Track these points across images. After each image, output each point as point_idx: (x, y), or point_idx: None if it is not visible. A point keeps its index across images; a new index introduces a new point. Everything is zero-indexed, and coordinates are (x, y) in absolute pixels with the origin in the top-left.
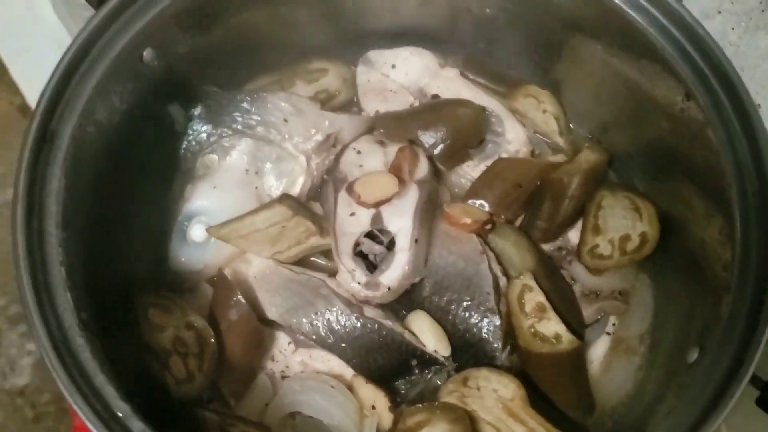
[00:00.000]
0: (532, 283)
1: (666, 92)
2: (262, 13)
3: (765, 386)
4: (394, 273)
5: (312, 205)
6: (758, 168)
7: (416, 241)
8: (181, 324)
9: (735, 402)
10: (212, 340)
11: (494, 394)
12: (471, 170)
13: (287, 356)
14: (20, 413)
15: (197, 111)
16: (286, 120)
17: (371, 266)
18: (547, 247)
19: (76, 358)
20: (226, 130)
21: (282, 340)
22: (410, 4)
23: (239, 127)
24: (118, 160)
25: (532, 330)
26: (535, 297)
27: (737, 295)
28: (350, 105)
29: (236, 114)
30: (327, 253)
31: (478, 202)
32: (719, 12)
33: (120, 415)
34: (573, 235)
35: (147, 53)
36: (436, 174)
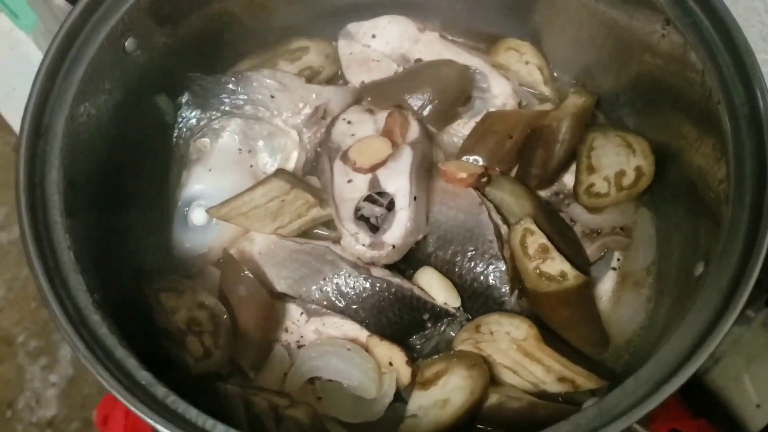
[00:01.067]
0: (533, 227)
1: (645, 22)
2: (228, 2)
3: None
4: (397, 231)
5: (309, 179)
6: (743, 80)
7: (415, 198)
8: (193, 304)
9: (742, 307)
10: (225, 316)
11: (507, 336)
12: (461, 128)
13: (300, 327)
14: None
15: (184, 98)
16: (273, 96)
17: (374, 228)
18: (543, 193)
19: (95, 334)
20: (214, 113)
21: (294, 311)
22: None
23: (227, 108)
24: (114, 149)
25: (538, 271)
26: (537, 239)
27: (736, 204)
28: (336, 79)
29: (223, 96)
30: (329, 224)
31: (472, 157)
32: None
33: (143, 383)
34: (568, 179)
35: (129, 43)
36: (427, 135)
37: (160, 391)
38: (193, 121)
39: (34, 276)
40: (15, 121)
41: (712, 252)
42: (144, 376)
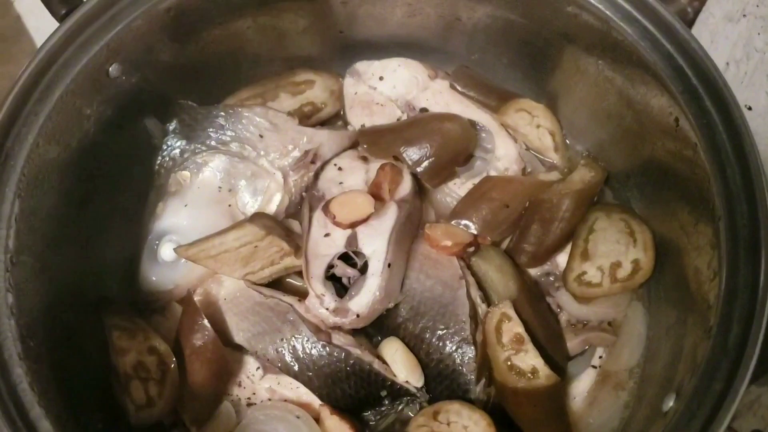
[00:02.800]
0: (511, 312)
1: (659, 110)
2: (244, 23)
3: None
4: (364, 299)
5: (290, 222)
6: (749, 199)
7: (389, 265)
8: (144, 348)
9: None
10: (173, 366)
11: (464, 430)
12: (458, 188)
13: (255, 382)
14: None
15: (172, 126)
16: (261, 136)
17: (343, 290)
18: (534, 271)
19: (14, 389)
20: (199, 146)
21: (251, 365)
22: (397, 14)
23: (213, 143)
24: (87, 176)
25: (509, 363)
26: (513, 327)
27: (717, 340)
28: (337, 118)
29: (210, 130)
30: (302, 274)
31: (463, 222)
32: (744, 15)
33: None
34: (562, 260)
35: (113, 68)
36: (420, 192)
37: None
38: (177, 151)
39: None
40: None
41: (684, 386)
42: None
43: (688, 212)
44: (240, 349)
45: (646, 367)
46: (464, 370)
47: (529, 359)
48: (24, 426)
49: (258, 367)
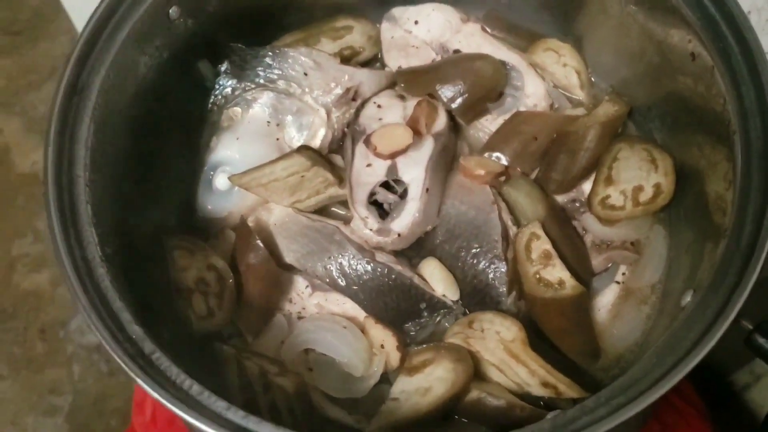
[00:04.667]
0: (540, 232)
1: (678, 41)
2: None
3: (754, 329)
4: (405, 220)
5: (333, 157)
6: (762, 113)
7: (427, 190)
8: (203, 265)
9: (716, 342)
10: (231, 280)
11: (497, 335)
12: (489, 124)
13: (304, 299)
14: (96, 368)
15: (224, 67)
16: (306, 74)
17: (385, 214)
18: (561, 198)
19: (97, 285)
20: (249, 84)
21: (300, 283)
22: None
23: (261, 81)
24: (148, 111)
25: (537, 276)
26: (542, 245)
27: (732, 239)
28: (374, 61)
29: (259, 68)
30: (346, 203)
31: (495, 154)
32: None
33: (134, 337)
34: (587, 187)
35: (173, 11)
36: (454, 127)
37: (148, 346)
38: (229, 89)
39: (49, 226)
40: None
41: (701, 282)
42: (135, 331)
43: (706, 136)
44: (290, 269)
45: (667, 283)
46: (497, 283)
47: (557, 272)
48: (108, 315)
49: (307, 285)
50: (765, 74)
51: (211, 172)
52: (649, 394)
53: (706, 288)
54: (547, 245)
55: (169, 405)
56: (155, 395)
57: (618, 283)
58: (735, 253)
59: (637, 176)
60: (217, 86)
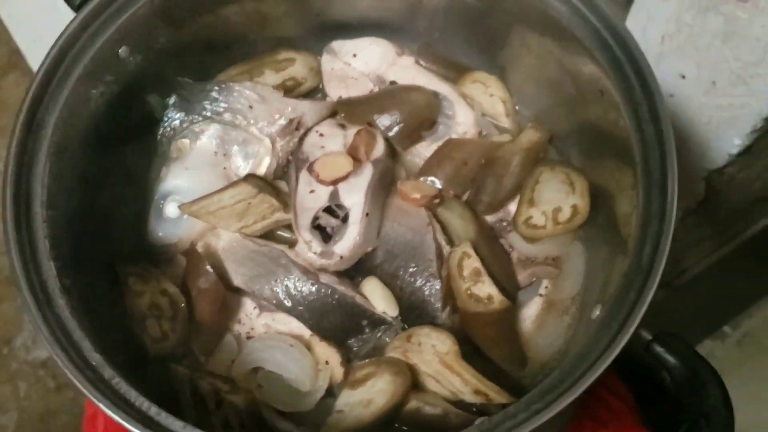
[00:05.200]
0: (470, 251)
1: (589, 77)
2: (232, 9)
3: (652, 338)
4: (346, 243)
5: (279, 184)
6: (661, 148)
7: (367, 214)
8: (157, 291)
9: (618, 353)
10: (183, 304)
11: (433, 348)
12: (424, 150)
13: (252, 319)
14: (43, 383)
15: (171, 100)
16: (251, 106)
17: (328, 237)
18: (490, 218)
19: (58, 316)
20: (196, 116)
21: (248, 305)
22: None
23: (208, 113)
24: (101, 146)
25: (469, 292)
26: (473, 263)
27: (634, 259)
28: (316, 92)
29: (206, 102)
30: (291, 227)
31: (430, 178)
32: None
33: (94, 363)
34: (513, 208)
35: (123, 50)
36: (392, 154)
37: (108, 372)
38: (177, 122)
39: (9, 261)
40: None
41: (609, 297)
42: (95, 358)
43: (615, 162)
44: (239, 292)
45: (585, 295)
46: (432, 300)
47: (486, 288)
48: (69, 345)
49: (255, 307)
50: (662, 113)
51: (162, 201)
52: (562, 399)
53: (612, 303)
54: (477, 263)
55: (130, 427)
56: (117, 418)
57: (541, 296)
58: (637, 272)
59: (557, 198)
60: (165, 118)
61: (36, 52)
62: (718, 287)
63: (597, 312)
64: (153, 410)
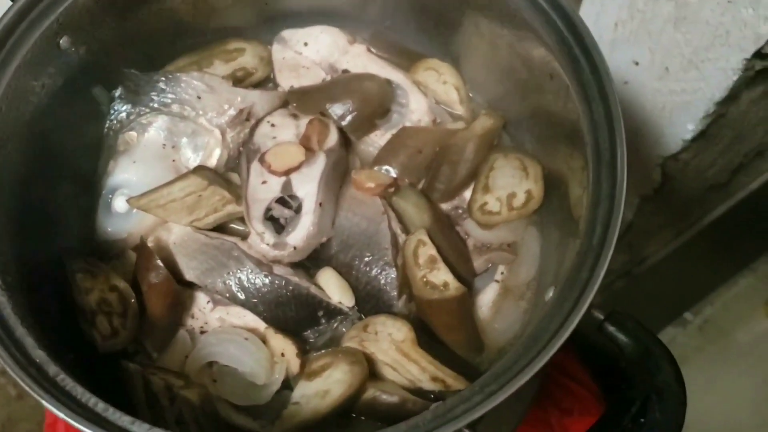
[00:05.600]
0: (426, 238)
1: (539, 61)
2: None
3: (605, 318)
4: (300, 234)
5: (230, 175)
6: (610, 127)
7: (320, 204)
8: (106, 286)
9: (570, 333)
10: (133, 300)
11: (389, 337)
12: (378, 139)
13: (206, 314)
14: (3, 392)
15: (118, 92)
16: (199, 97)
17: (281, 228)
18: (445, 206)
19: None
20: (143, 108)
21: (201, 299)
22: None
23: (156, 105)
24: (45, 139)
25: (424, 279)
26: (428, 250)
27: (585, 239)
28: (267, 81)
29: (153, 93)
30: (244, 220)
31: (384, 167)
32: None
33: (37, 361)
34: (468, 195)
35: (64, 41)
36: (345, 143)
37: (52, 369)
38: (124, 114)
39: None
40: None
41: (560, 279)
42: (39, 355)
43: (566, 146)
44: (191, 286)
45: (541, 279)
46: (388, 288)
47: (441, 275)
48: (11, 342)
49: (208, 301)
50: (611, 93)
51: (110, 196)
52: (515, 380)
53: (563, 284)
54: (433, 251)
55: (75, 424)
56: (61, 415)
57: (497, 281)
58: (588, 252)
59: (511, 183)
60: (112, 111)
61: None
62: (678, 275)
63: (550, 294)
64: (100, 406)
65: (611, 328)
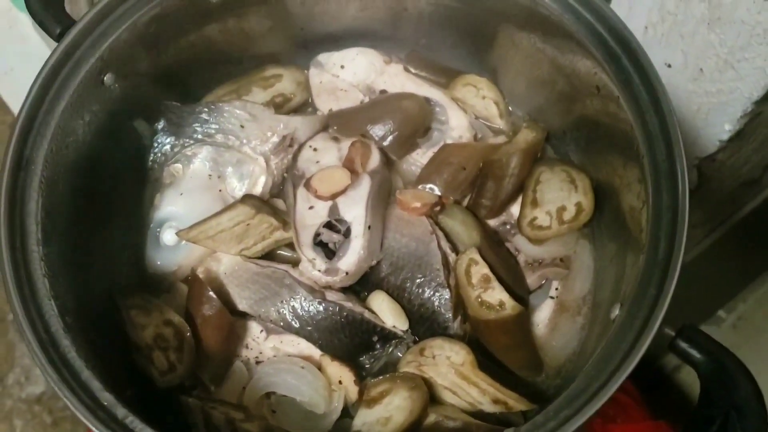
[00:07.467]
0: (477, 257)
1: (585, 73)
2: (215, 28)
3: (676, 334)
4: (351, 258)
5: (275, 202)
6: (665, 138)
7: (369, 227)
8: (160, 322)
9: (644, 351)
10: (188, 334)
11: (447, 360)
12: (420, 157)
13: (260, 343)
14: (39, 419)
15: (160, 125)
16: (242, 126)
17: (331, 254)
18: (492, 222)
19: (64, 357)
20: (187, 140)
21: (254, 329)
22: (351, 9)
23: (199, 136)
24: (92, 177)
25: (479, 299)
26: (481, 269)
27: (649, 254)
28: (306, 106)
29: (196, 125)
30: (292, 246)
31: (428, 186)
32: None
33: (105, 404)
34: (516, 210)
35: (107, 77)
36: (387, 163)
37: (120, 411)
38: (168, 147)
39: (10, 303)
40: (11, 101)
41: (627, 295)
42: (106, 398)
43: (617, 156)
44: (244, 316)
45: (597, 293)
46: (442, 310)
47: (497, 294)
48: (78, 387)
49: (261, 330)
50: (665, 103)
51: (158, 229)
52: (591, 404)
53: (631, 301)
54: (486, 269)
55: None
56: None
57: (552, 298)
58: (654, 268)
59: (560, 197)
60: (155, 144)
61: (9, 83)
62: (710, 273)
63: (616, 312)
64: None
65: (683, 345)
